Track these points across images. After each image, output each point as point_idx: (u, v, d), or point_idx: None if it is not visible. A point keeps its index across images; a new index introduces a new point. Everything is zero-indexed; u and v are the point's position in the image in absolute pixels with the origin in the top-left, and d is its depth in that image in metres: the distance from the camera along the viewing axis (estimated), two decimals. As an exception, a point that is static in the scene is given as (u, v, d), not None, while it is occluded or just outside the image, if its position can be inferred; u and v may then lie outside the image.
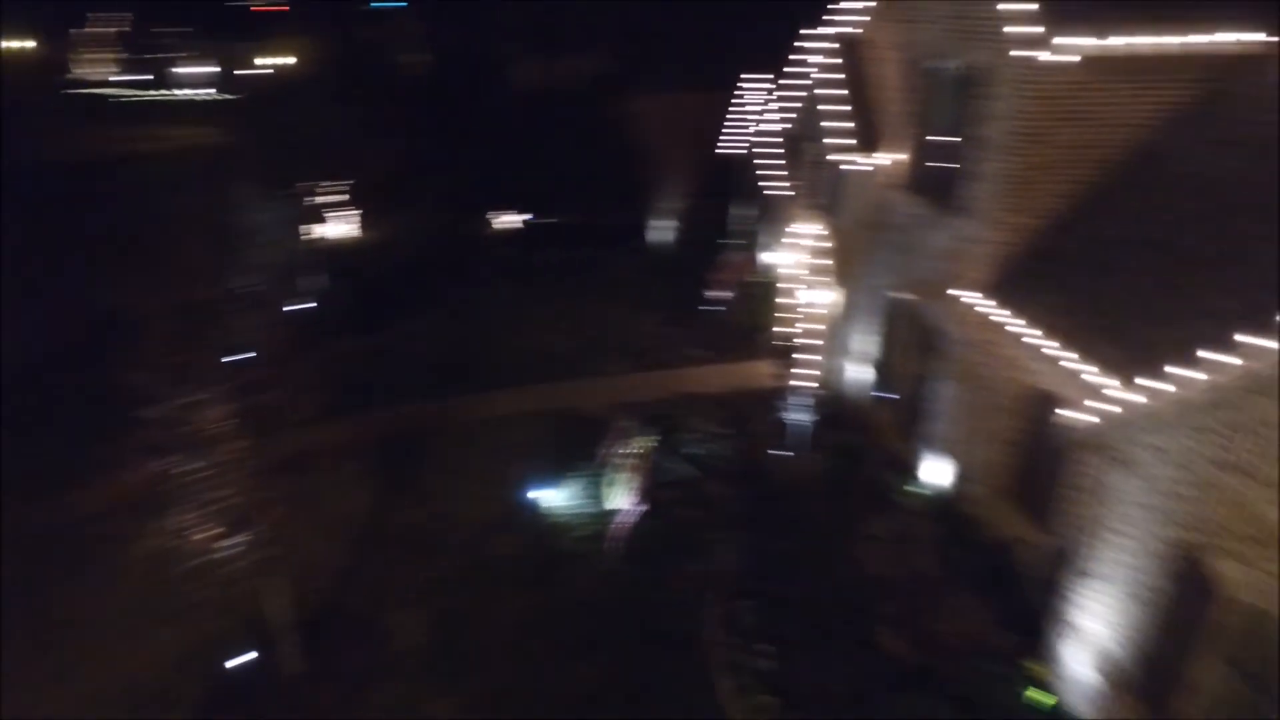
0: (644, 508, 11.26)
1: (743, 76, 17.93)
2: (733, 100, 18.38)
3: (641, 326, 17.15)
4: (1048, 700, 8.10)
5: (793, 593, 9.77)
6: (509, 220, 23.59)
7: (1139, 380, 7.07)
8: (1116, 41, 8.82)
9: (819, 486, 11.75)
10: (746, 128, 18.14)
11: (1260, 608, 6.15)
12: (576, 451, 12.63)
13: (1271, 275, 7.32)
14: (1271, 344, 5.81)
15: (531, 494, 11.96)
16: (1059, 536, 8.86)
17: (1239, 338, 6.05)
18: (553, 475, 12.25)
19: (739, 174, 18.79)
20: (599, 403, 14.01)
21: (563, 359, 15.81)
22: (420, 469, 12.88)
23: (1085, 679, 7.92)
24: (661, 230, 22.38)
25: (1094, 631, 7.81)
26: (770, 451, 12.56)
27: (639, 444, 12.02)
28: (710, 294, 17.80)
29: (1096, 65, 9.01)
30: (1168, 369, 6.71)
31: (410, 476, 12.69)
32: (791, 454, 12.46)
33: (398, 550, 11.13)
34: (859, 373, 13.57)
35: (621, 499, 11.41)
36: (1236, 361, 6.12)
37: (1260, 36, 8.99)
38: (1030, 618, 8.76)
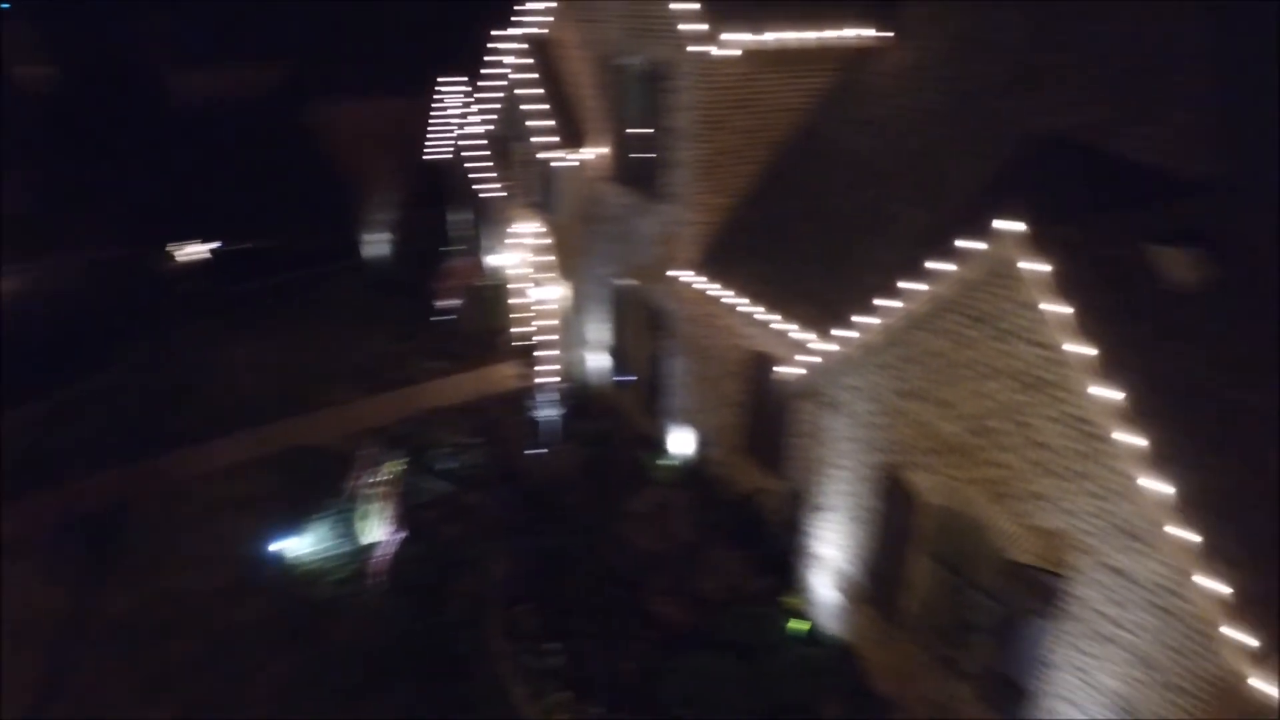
0: (403, 534, 10.73)
1: (439, 80, 17.57)
2: (432, 104, 17.96)
3: (371, 346, 16.24)
4: (804, 627, 9.08)
5: (568, 585, 9.92)
6: (194, 251, 20.94)
7: (832, 331, 8.12)
8: (769, 37, 9.95)
9: (576, 477, 12.01)
10: (450, 131, 17.85)
11: (947, 507, 7.40)
12: (319, 490, 11.67)
13: (912, 230, 8.78)
14: (922, 287, 6.96)
15: (274, 547, 10.84)
16: (792, 480, 9.94)
17: (899, 284, 7.18)
18: (296, 522, 11.20)
19: (450, 178, 18.44)
20: (336, 434, 13.05)
21: (287, 394, 14.48)
22: (130, 545, 11.08)
23: (830, 599, 9.00)
24: (376, 244, 21.30)
25: (831, 557, 8.89)
26: (525, 452, 12.58)
27: (387, 469, 11.41)
28: (439, 303, 17.33)
29: (756, 57, 10.09)
30: (852, 318, 7.77)
31: (118, 555, 10.88)
32: (545, 450, 12.59)
33: (115, 645, 9.50)
34: (598, 360, 14.06)
35: (377, 530, 10.77)
36: (899, 305, 7.25)
37: (872, 32, 10.64)
38: (780, 558, 9.73)
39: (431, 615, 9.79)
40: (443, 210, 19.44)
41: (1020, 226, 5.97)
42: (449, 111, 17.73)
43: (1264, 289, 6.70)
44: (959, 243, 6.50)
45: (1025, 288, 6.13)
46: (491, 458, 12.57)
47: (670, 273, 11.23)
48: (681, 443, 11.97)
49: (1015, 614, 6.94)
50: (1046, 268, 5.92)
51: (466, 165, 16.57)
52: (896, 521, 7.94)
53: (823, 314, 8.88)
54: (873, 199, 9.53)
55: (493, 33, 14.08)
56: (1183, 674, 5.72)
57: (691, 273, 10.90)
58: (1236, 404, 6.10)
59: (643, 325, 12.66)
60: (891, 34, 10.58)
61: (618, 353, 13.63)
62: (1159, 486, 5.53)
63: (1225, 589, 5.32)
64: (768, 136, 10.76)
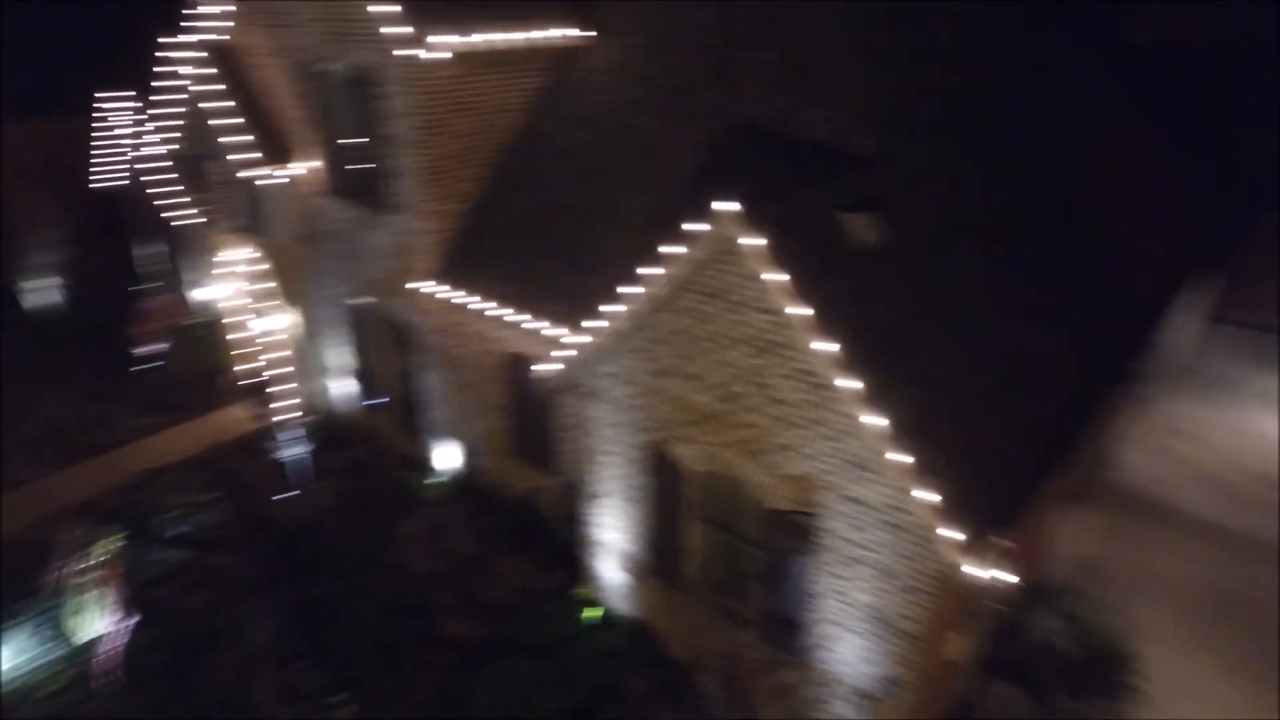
0: (135, 619, 9.29)
1: (98, 96, 15.21)
2: (94, 124, 15.52)
3: (55, 411, 13.72)
4: (598, 613, 9.28)
5: (347, 629, 9.23)
6: None
7: (583, 323, 8.32)
8: (478, 38, 9.89)
9: (337, 513, 11.18)
10: (123, 154, 15.57)
11: (710, 471, 7.94)
12: (11, 593, 9.69)
13: (640, 217, 9.25)
14: (658, 270, 7.38)
15: (-42, 674, 8.84)
16: (565, 474, 10.07)
17: (638, 270, 7.54)
18: (-16, 637, 9.22)
19: (132, 207, 16.09)
20: (25, 520, 10.91)
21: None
22: None
23: (618, 581, 9.28)
24: (41, 291, 18.02)
25: (613, 540, 9.16)
26: (274, 497, 11.45)
27: (100, 549, 9.81)
28: (139, 350, 15.11)
29: (467, 60, 9.98)
30: (600, 308, 8.03)
31: None
32: (298, 491, 11.56)
33: None
34: (344, 387, 13.14)
35: (97, 623, 9.22)
36: (641, 290, 7.62)
37: (577, 31, 10.99)
38: (565, 552, 9.84)
39: (186, 700, 8.59)
40: (127, 244, 16.93)
41: (735, 206, 6.54)
42: (117, 131, 15.44)
43: (927, 246, 7.99)
44: (685, 226, 6.97)
45: (747, 261, 6.73)
46: (234, 512, 11.27)
47: (410, 285, 10.80)
48: (448, 457, 11.62)
49: (780, 557, 7.66)
50: (762, 241, 6.54)
51: (151, 191, 14.57)
52: (667, 494, 8.38)
53: (571, 308, 9.07)
54: (600, 191, 9.88)
55: (160, 40, 12.49)
56: (915, 575, 6.69)
57: (433, 282, 10.57)
58: (921, 344, 7.23)
59: (388, 343, 12.05)
60: (594, 33, 11.00)
61: (364, 375, 12.85)
62: (876, 421, 6.40)
63: (936, 497, 6.30)
64: (491, 138, 10.71)
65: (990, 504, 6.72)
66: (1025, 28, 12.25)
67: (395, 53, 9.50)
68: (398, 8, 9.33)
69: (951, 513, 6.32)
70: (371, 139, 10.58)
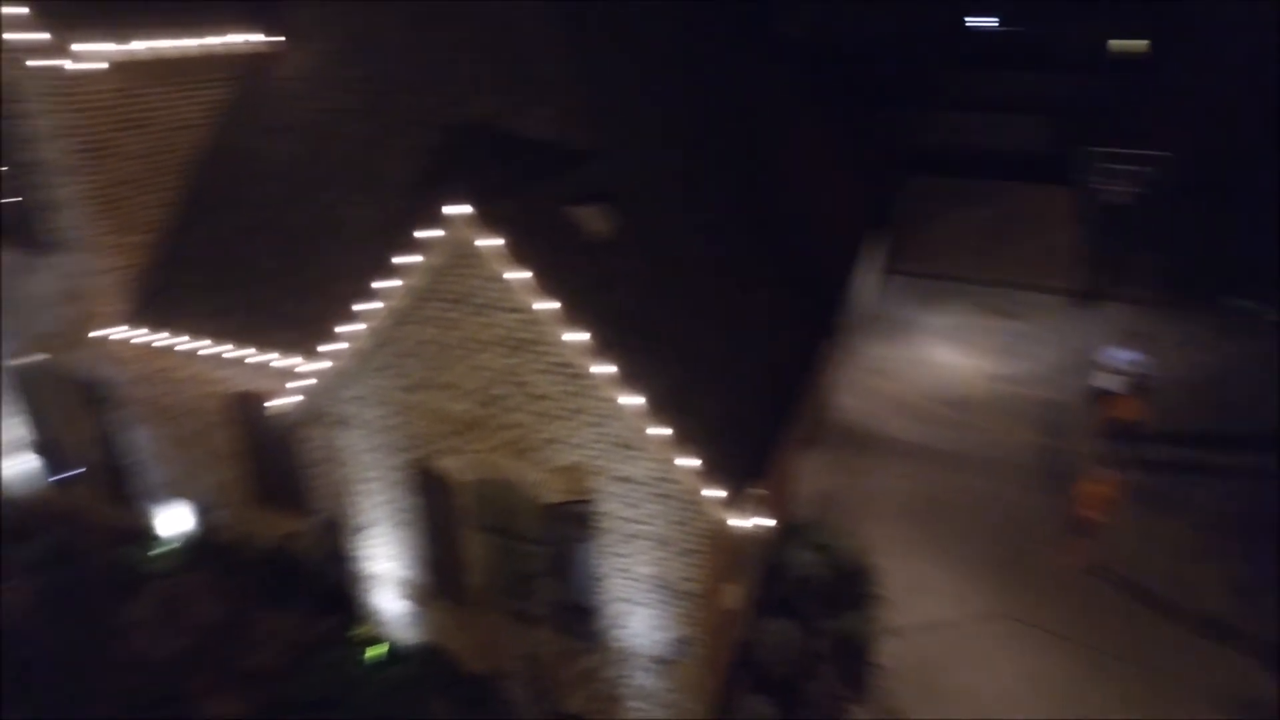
0: None
1: None
2: None
3: None
4: (382, 650, 8.73)
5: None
6: None
7: (319, 349, 7.72)
8: (140, 46, 8.69)
9: (38, 614, 9.36)
10: None
11: (480, 479, 7.79)
12: None
13: (366, 229, 8.78)
14: (395, 283, 7.06)
15: None
16: (322, 511, 9.31)
17: (373, 285, 7.15)
18: None
19: None
20: None
21: None
22: None
23: (400, 611, 8.80)
24: None
25: (387, 570, 8.65)
26: (-57, 616, 9.30)
27: None
28: None
29: (130, 71, 8.76)
30: (336, 330, 7.50)
31: None
32: (-23, 601, 9.50)
33: None
34: (21, 464, 10.97)
35: None
36: (379, 305, 7.25)
37: (262, 37, 10.10)
38: (334, 594, 9.11)
39: None
40: None
41: (467, 208, 6.44)
42: None
43: (654, 232, 8.48)
44: (417, 233, 6.73)
45: (487, 262, 6.68)
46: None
47: (95, 334, 9.28)
48: (175, 520, 10.20)
49: (562, 548, 7.75)
50: (499, 241, 6.52)
51: None
52: (439, 510, 8.09)
53: (302, 334, 8.40)
54: (318, 204, 9.20)
55: None
56: (689, 538, 7.12)
57: (125, 327, 9.17)
58: (662, 322, 7.67)
59: (74, 404, 10.26)
60: (282, 38, 10.17)
61: (47, 447, 10.83)
62: (634, 401, 6.69)
63: (696, 463, 6.74)
64: (175, 158, 9.51)
65: (742, 460, 7.34)
66: (705, 27, 13.39)
67: (30, 63, 8.07)
68: (24, 9, 7.91)
69: (711, 474, 6.81)
70: (13, 167, 8.89)
